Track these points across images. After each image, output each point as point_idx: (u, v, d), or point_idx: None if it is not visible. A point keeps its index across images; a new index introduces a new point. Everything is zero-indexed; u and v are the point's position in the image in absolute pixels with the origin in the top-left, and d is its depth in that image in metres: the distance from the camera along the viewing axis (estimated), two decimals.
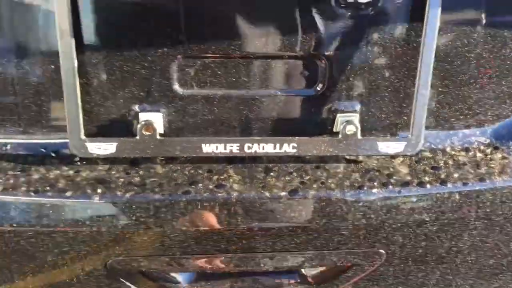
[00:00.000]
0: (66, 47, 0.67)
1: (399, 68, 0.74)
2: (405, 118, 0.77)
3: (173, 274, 0.82)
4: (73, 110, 0.70)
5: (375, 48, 0.73)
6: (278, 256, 0.80)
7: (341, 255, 0.81)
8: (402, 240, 0.80)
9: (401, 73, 0.74)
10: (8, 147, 0.76)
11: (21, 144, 0.76)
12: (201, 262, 0.79)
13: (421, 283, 0.87)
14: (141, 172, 0.76)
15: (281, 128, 0.77)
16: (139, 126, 0.73)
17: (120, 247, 0.75)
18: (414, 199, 0.76)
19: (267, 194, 0.74)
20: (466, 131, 0.83)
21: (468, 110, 0.81)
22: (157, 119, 0.74)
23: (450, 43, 0.75)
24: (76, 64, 0.68)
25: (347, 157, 0.79)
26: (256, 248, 0.78)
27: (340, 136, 0.75)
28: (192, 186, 0.74)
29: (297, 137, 0.75)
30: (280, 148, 0.75)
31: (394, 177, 0.77)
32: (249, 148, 0.74)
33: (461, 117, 0.81)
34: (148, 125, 0.73)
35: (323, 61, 0.73)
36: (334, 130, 0.76)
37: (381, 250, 0.81)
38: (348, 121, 0.75)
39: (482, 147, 0.82)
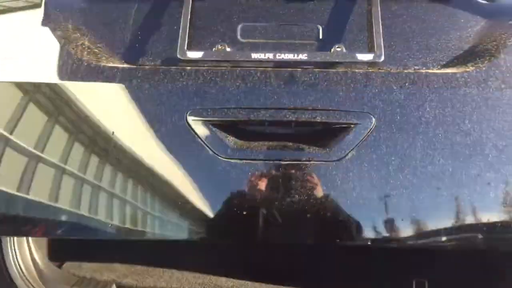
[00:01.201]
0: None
1: (363, 19, 1.34)
2: (372, 43, 1.29)
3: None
4: (183, 34, 1.30)
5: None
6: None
7: (340, 113, 1.18)
8: (383, 106, 1.18)
9: (364, 20, 1.33)
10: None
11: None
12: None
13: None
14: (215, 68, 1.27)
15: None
16: (214, 47, 1.30)
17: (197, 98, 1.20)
18: (383, 76, 1.20)
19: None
20: (416, 66, 1.31)
21: (401, 54, 1.33)
22: (227, 47, 1.31)
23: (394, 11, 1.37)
24: (190, 9, 1.32)
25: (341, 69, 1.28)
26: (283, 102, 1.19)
27: (334, 52, 1.28)
28: (244, 70, 1.24)
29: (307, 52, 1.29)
30: (297, 56, 1.26)
31: (370, 69, 1.24)
32: (278, 56, 1.27)
33: (405, 58, 1.32)
34: (221, 46, 1.30)
35: (320, 26, 1.35)
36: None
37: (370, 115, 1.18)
38: (339, 46, 1.29)
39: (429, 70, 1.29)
